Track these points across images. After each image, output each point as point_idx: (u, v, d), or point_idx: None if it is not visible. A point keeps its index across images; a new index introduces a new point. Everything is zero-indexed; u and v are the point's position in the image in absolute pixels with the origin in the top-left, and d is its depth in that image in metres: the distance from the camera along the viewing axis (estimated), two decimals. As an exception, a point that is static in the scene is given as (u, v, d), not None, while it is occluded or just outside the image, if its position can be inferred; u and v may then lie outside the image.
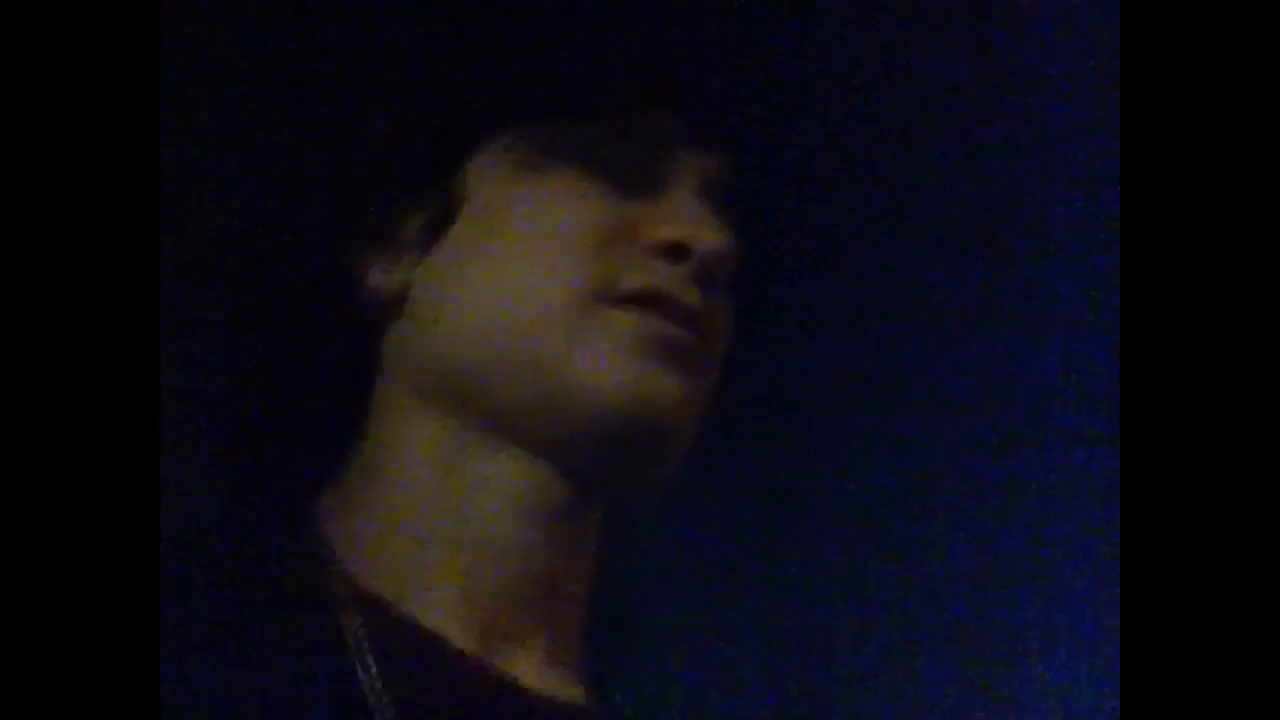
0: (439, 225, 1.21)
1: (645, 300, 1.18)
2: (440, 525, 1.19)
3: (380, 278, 1.22)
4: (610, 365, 1.16)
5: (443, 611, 1.18)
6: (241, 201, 1.30)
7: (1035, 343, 1.68)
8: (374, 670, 1.13)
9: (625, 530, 1.29)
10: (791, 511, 1.67)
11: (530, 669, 1.20)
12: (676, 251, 1.18)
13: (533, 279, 1.18)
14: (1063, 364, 1.66)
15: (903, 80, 1.62)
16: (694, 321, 1.18)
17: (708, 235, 1.18)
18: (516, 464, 1.18)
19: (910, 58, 1.61)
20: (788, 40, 1.47)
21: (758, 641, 1.64)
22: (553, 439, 1.18)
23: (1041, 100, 1.62)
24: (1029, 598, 1.68)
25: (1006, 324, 1.69)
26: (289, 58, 1.30)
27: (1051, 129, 1.63)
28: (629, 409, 1.17)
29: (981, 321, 1.69)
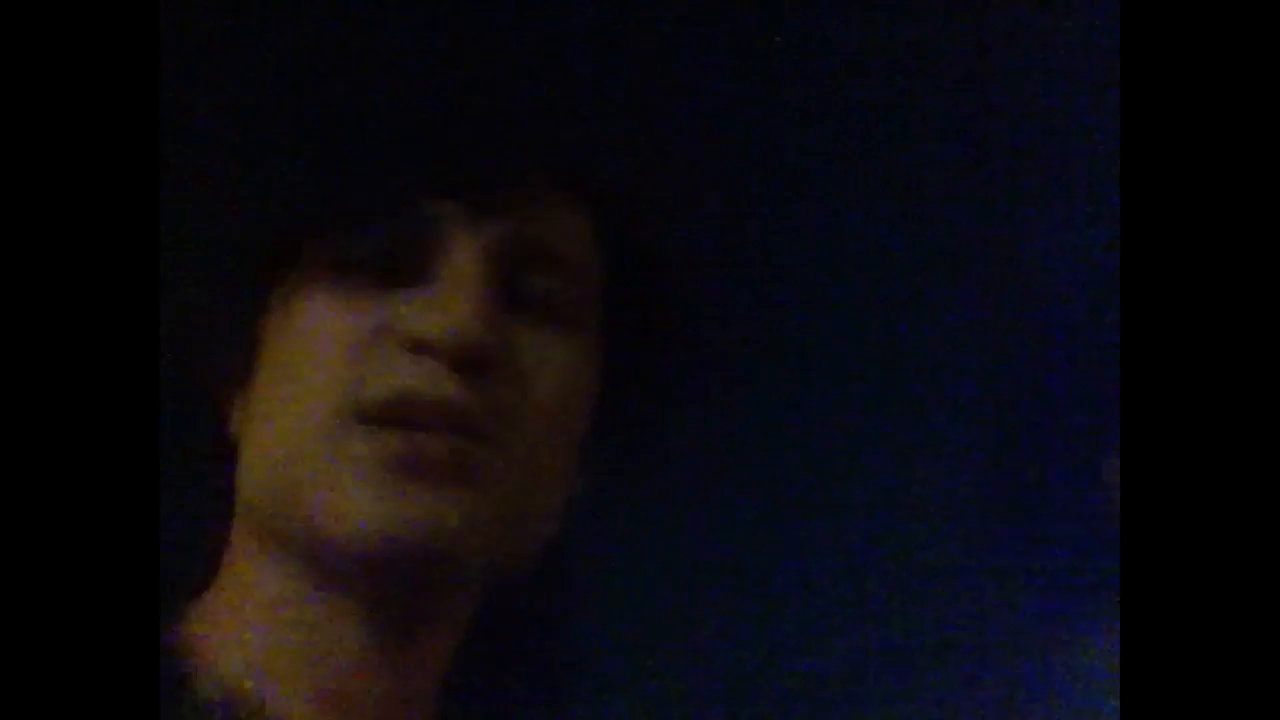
0: (248, 374, 1.16)
1: (394, 410, 1.06)
2: (291, 644, 1.13)
3: (231, 420, 1.18)
4: (357, 495, 1.06)
5: (305, 709, 1.14)
6: (241, 201, 1.30)
7: (1035, 341, 1.68)
8: None
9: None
10: (791, 511, 1.67)
11: None
12: (422, 345, 1.06)
13: (291, 403, 1.11)
14: (1063, 363, 1.66)
15: (903, 80, 1.62)
16: (460, 420, 1.05)
17: (460, 318, 1.05)
18: (318, 591, 1.12)
19: (910, 57, 1.61)
20: (788, 40, 1.47)
21: (754, 644, 1.64)
22: (333, 571, 1.10)
23: (1041, 100, 1.62)
24: (1029, 597, 1.68)
25: (1006, 323, 1.69)
26: (289, 55, 1.30)
27: (1051, 128, 1.63)
28: (384, 541, 1.06)
29: (981, 320, 1.69)
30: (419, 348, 1.06)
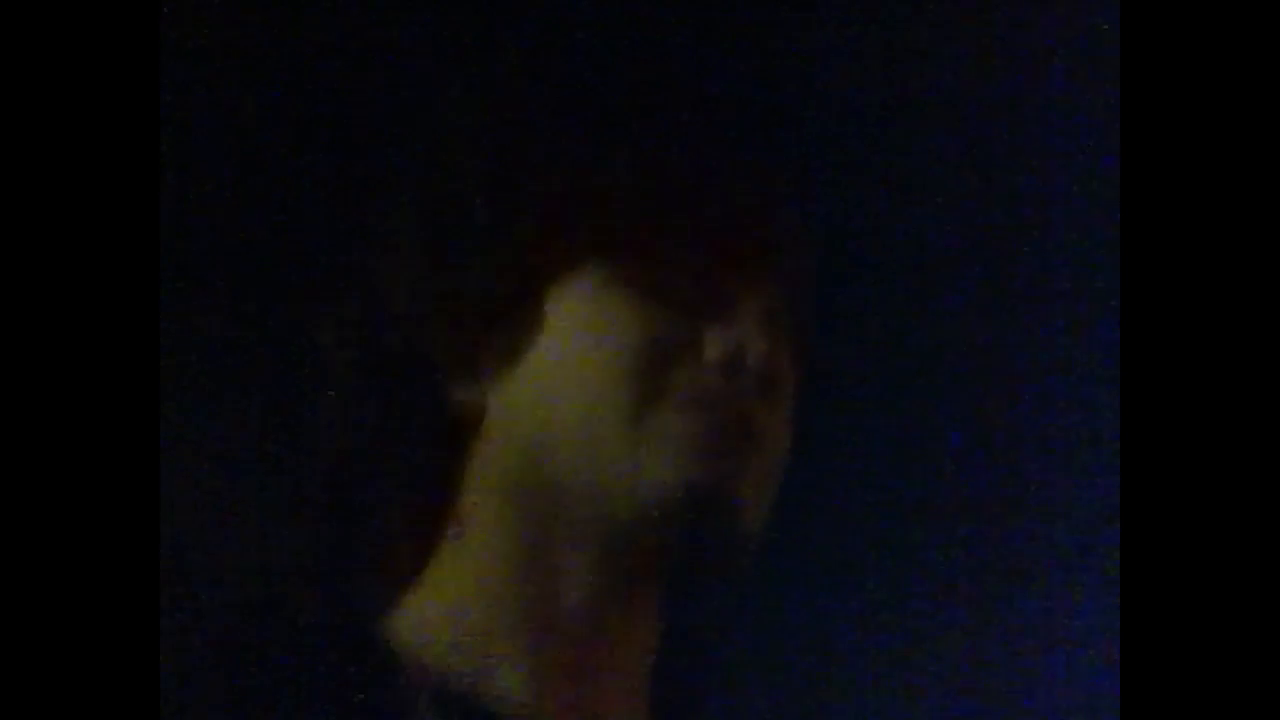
0: (518, 348, 1.29)
1: (700, 405, 1.28)
2: (512, 612, 1.28)
3: (461, 396, 1.30)
4: (671, 461, 1.26)
5: (512, 687, 1.27)
6: (241, 202, 1.30)
7: (1035, 341, 1.68)
8: None
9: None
10: (791, 511, 1.67)
11: None
12: (732, 367, 1.29)
13: (601, 391, 1.28)
14: (1063, 362, 1.66)
15: (903, 80, 1.62)
16: (749, 429, 1.30)
17: (764, 353, 1.30)
18: (588, 557, 1.28)
19: (910, 57, 1.61)
20: (788, 40, 1.47)
21: (753, 644, 1.64)
22: (620, 536, 1.28)
23: (1041, 100, 1.62)
24: (1029, 597, 1.68)
25: (1006, 322, 1.68)
26: (289, 55, 1.30)
27: (1051, 128, 1.63)
28: (689, 503, 1.27)
29: (982, 320, 1.69)
30: (729, 368, 1.29)
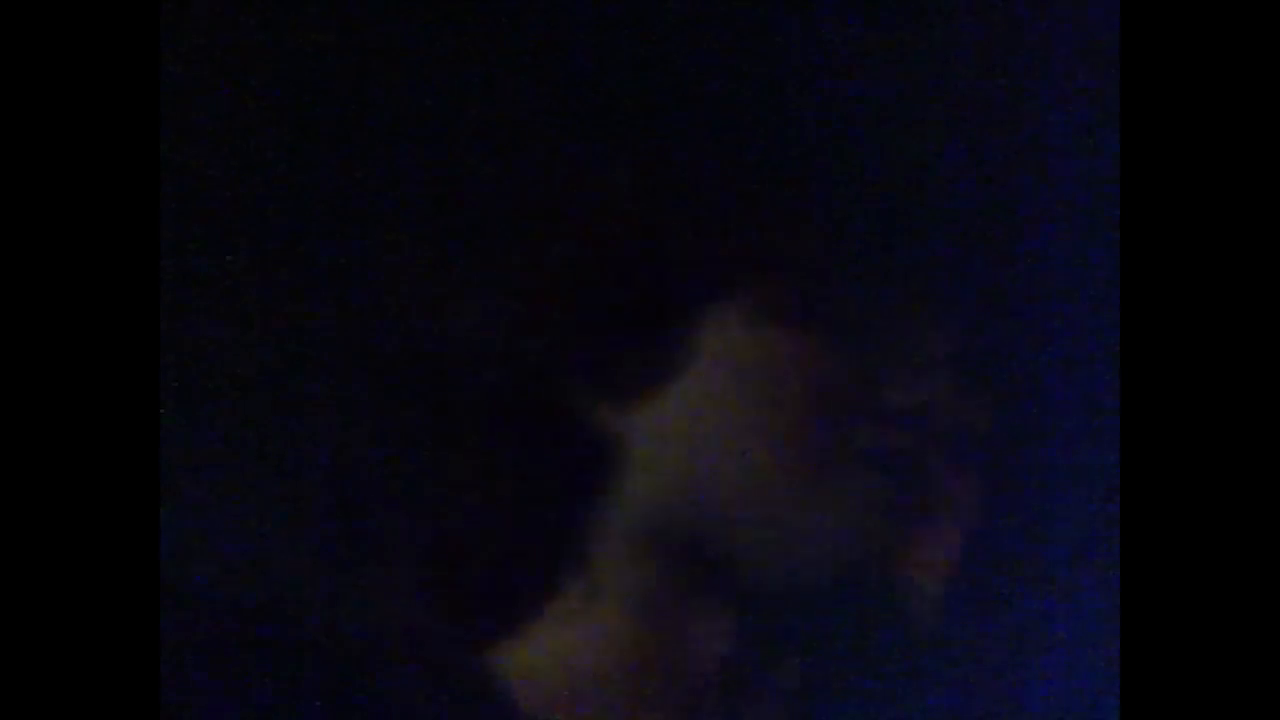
0: (665, 374, 1.19)
1: (879, 461, 1.22)
2: (637, 671, 1.19)
3: (604, 418, 1.22)
4: (838, 530, 1.20)
5: None
6: (242, 202, 1.30)
7: (1035, 341, 1.67)
8: None
9: None
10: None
11: None
12: (915, 417, 1.21)
13: (762, 436, 1.20)
14: (1063, 361, 1.66)
15: (903, 80, 1.61)
16: (932, 485, 1.21)
17: (935, 394, 1.22)
18: (724, 616, 1.21)
19: (910, 57, 1.61)
20: (788, 39, 1.46)
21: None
22: (771, 594, 1.21)
23: (1042, 100, 1.62)
24: (1029, 596, 1.68)
25: (1007, 322, 1.68)
26: (289, 55, 1.30)
27: (1051, 129, 1.62)
28: (863, 569, 1.21)
29: (982, 320, 1.68)
30: (914, 420, 1.25)
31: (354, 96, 1.29)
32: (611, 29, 1.31)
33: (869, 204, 1.34)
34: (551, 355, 1.24)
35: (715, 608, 1.18)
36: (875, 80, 1.46)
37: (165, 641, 1.13)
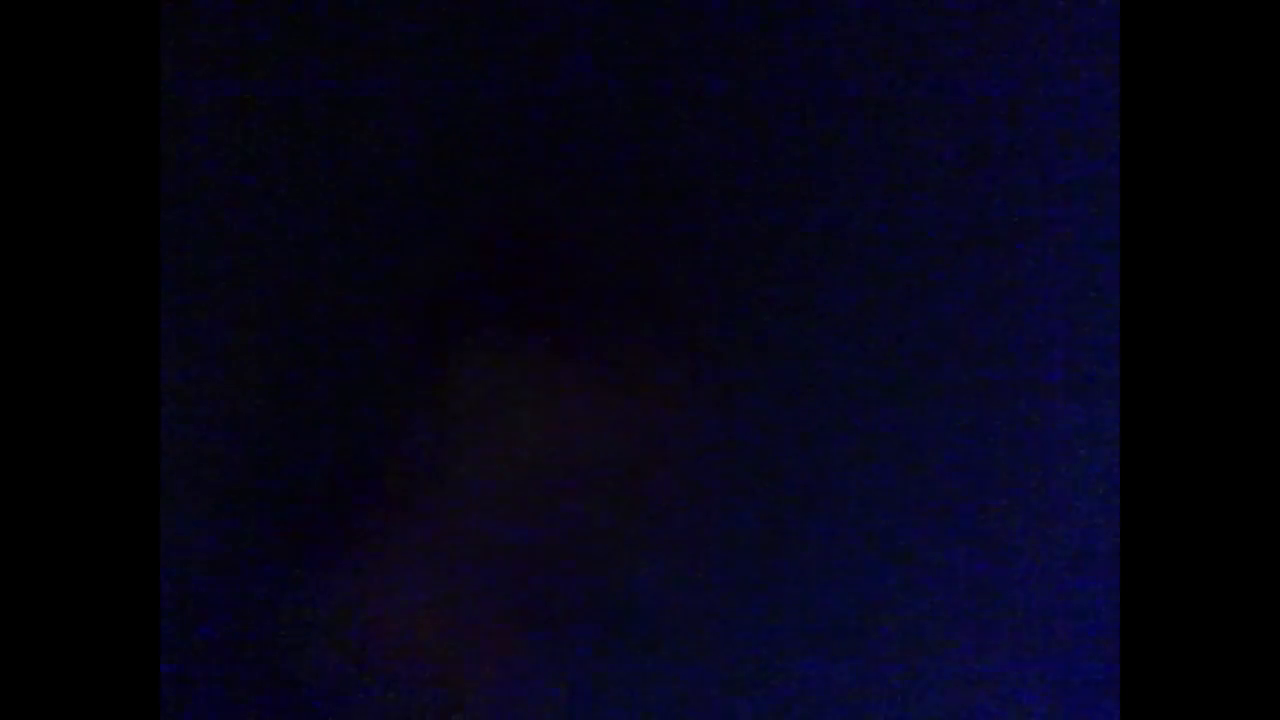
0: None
1: None
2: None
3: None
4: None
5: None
6: (241, 202, 1.30)
7: (1035, 341, 1.68)
8: None
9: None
10: (792, 509, 1.67)
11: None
12: None
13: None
14: (1064, 361, 1.66)
15: (903, 79, 1.62)
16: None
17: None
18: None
19: (910, 57, 1.61)
20: (788, 39, 1.46)
21: (758, 639, 1.64)
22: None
23: (1042, 100, 1.62)
24: (1028, 593, 1.68)
25: (1007, 322, 1.68)
26: (289, 55, 1.30)
27: (1051, 128, 1.63)
28: None
29: (982, 320, 1.68)
30: None
31: (355, 96, 1.29)
32: None
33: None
34: None
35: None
36: (860, 75, 1.46)
37: (165, 641, 1.13)
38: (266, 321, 1.30)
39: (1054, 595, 1.66)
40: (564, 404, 1.27)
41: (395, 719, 1.17)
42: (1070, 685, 1.63)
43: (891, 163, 1.64)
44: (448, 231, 1.32)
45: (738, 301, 1.31)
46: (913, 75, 1.62)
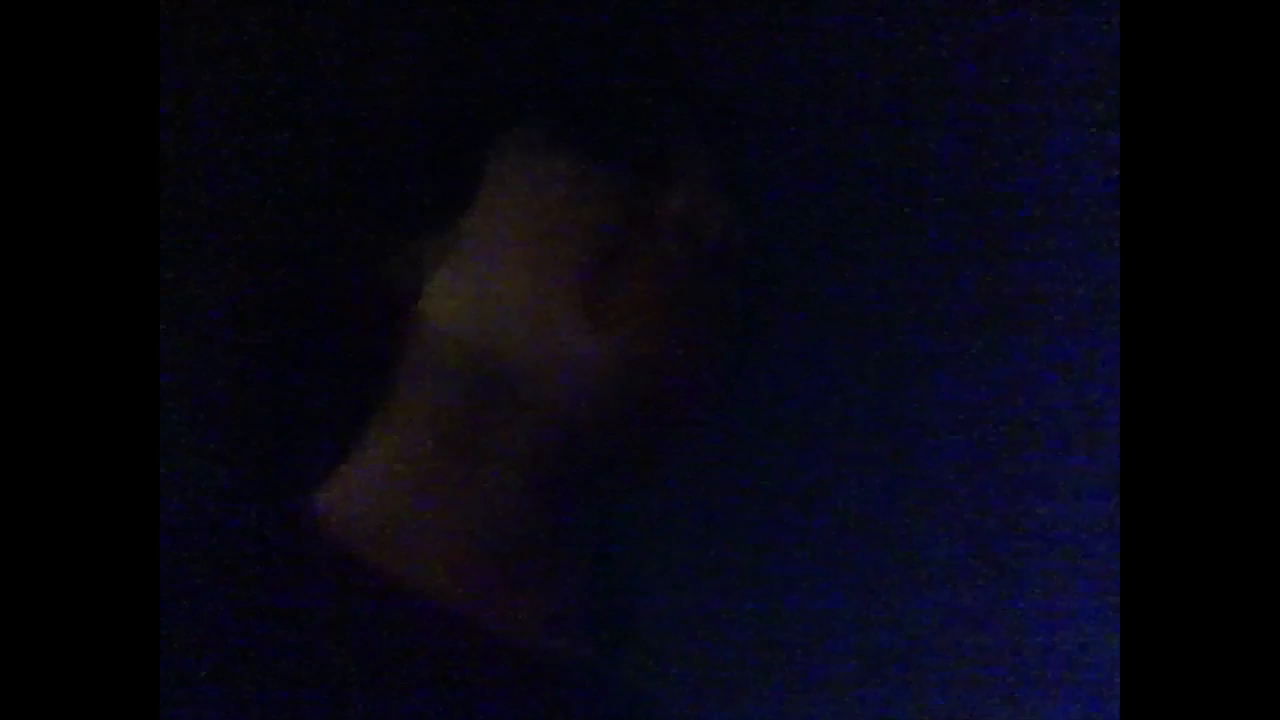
0: (454, 213, 1.23)
1: (646, 274, 1.22)
2: (446, 494, 1.22)
3: (395, 266, 1.24)
4: (614, 334, 1.20)
5: (439, 571, 1.21)
6: (241, 200, 1.30)
7: (1035, 342, 1.68)
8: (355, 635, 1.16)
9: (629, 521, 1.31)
10: (791, 510, 1.67)
11: (529, 630, 1.22)
12: (683, 230, 1.23)
13: (545, 263, 1.22)
14: (1063, 362, 1.66)
15: (903, 79, 1.62)
16: (700, 299, 1.23)
17: (714, 213, 1.23)
18: (526, 435, 1.21)
19: (911, 57, 1.61)
20: (789, 38, 1.47)
21: (755, 639, 1.64)
22: (561, 411, 1.21)
23: (1042, 100, 1.62)
24: (1028, 597, 1.68)
25: (1007, 322, 1.69)
26: (289, 55, 1.30)
27: (1051, 129, 1.63)
28: (628, 375, 1.20)
29: (982, 320, 1.69)
30: (679, 231, 1.24)
31: (353, 97, 1.29)
32: None
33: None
34: None
35: (520, 422, 1.22)
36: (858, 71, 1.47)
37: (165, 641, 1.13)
38: (266, 321, 1.31)
39: (1054, 595, 1.67)
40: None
41: (395, 719, 1.17)
42: (1070, 685, 1.63)
43: (891, 163, 1.64)
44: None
45: (737, 301, 1.31)
46: (912, 75, 1.62)
